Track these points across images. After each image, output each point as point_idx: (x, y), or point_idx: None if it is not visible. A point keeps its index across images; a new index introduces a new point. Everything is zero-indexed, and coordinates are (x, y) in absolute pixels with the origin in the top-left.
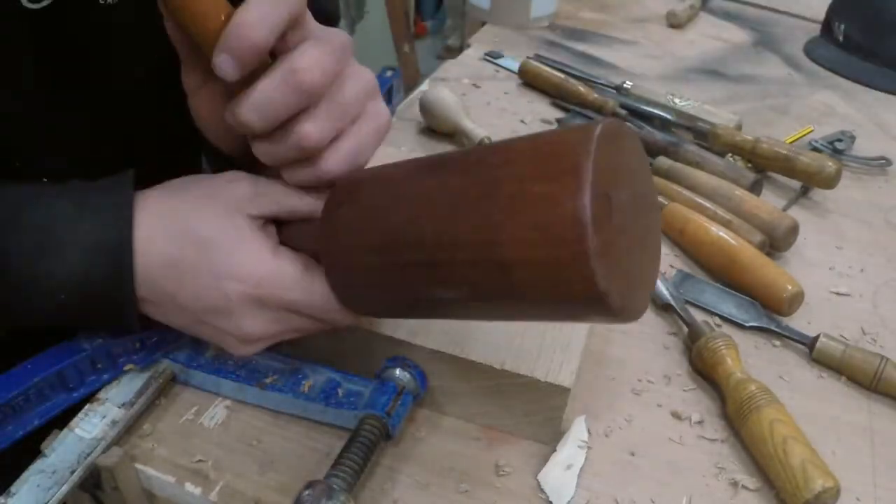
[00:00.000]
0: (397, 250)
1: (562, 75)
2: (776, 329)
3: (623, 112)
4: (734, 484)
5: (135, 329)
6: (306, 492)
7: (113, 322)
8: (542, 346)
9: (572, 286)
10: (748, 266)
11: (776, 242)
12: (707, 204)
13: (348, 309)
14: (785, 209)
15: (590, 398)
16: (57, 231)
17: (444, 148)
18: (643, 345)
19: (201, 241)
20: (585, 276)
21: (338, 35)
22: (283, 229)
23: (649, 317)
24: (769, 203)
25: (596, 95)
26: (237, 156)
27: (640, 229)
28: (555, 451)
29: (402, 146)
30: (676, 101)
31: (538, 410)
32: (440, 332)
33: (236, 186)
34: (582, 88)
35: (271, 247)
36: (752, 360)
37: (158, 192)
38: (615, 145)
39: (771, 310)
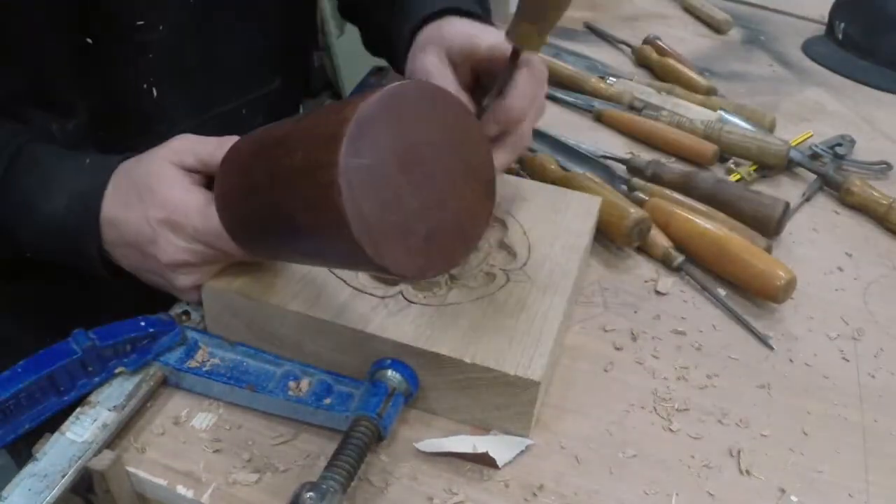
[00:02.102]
0: (252, 190)
1: (572, 68)
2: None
3: (640, 104)
4: None
5: (97, 267)
6: (300, 493)
7: (80, 258)
8: (513, 340)
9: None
10: (739, 256)
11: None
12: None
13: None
14: (800, 205)
15: None
16: (56, 178)
17: None
18: None
19: (139, 185)
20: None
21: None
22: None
23: None
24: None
25: (608, 84)
26: None
27: (444, 185)
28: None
29: None
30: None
31: (509, 404)
32: (411, 326)
33: (169, 144)
34: (594, 80)
35: (187, 184)
36: (745, 355)
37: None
38: (399, 110)
39: (764, 298)
